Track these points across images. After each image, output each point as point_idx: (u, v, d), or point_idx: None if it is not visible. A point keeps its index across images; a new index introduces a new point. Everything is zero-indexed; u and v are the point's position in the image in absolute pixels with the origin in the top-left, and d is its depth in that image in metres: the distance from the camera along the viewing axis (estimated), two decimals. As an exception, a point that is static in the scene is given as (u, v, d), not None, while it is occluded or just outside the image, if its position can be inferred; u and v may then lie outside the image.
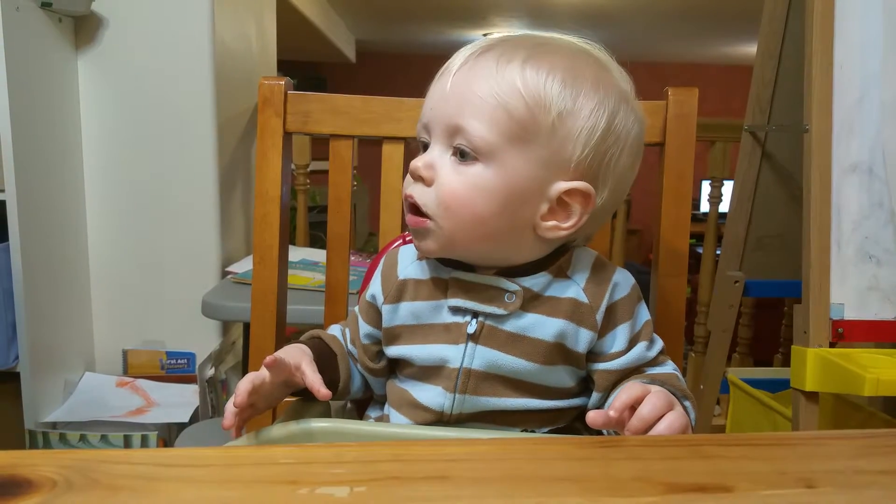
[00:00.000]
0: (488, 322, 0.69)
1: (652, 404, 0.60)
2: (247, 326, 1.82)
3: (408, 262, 0.76)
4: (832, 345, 1.24)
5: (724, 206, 2.22)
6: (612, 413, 0.59)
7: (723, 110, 5.90)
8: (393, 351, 0.75)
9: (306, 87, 0.95)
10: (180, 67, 1.90)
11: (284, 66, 2.94)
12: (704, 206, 2.56)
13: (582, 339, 0.68)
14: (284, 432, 0.65)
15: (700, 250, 2.52)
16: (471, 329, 0.68)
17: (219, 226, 1.98)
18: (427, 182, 0.67)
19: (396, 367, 0.77)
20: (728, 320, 1.76)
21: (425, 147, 0.70)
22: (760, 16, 1.68)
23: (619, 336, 0.70)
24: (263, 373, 0.67)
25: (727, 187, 2.07)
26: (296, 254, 1.89)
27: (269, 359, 0.66)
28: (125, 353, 1.98)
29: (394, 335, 0.74)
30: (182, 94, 1.91)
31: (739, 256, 1.76)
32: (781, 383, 1.68)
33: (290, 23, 3.49)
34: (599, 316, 0.68)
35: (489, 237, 0.67)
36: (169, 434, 1.76)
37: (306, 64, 6.22)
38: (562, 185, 0.66)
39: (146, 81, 1.91)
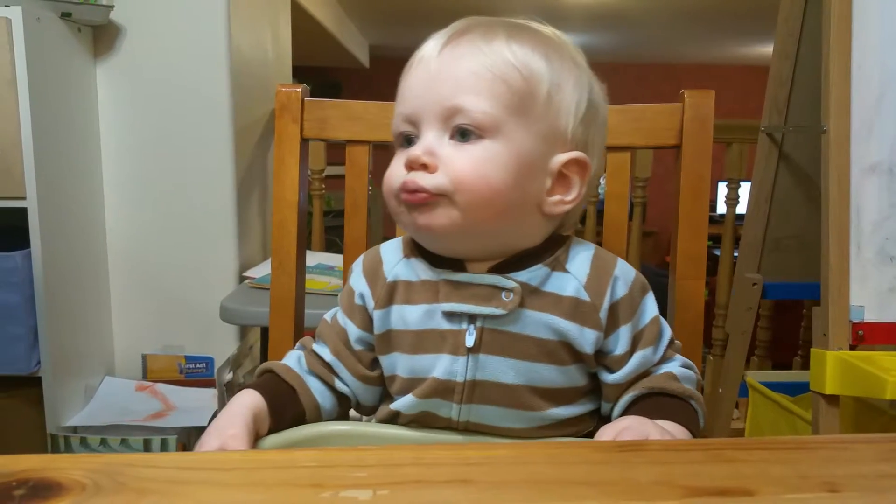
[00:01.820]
0: (487, 326, 0.65)
1: None
2: (264, 331, 1.84)
3: (394, 262, 0.71)
4: (852, 347, 1.23)
5: (741, 208, 2.21)
6: None
7: (739, 111, 5.87)
8: (387, 361, 0.70)
9: (321, 92, 0.96)
10: (198, 75, 1.92)
11: (299, 72, 2.96)
12: (721, 208, 2.55)
13: (587, 338, 0.66)
14: (305, 435, 0.66)
15: (717, 252, 2.51)
16: (470, 341, 0.65)
17: (236, 231, 1.99)
18: (430, 169, 0.63)
19: (391, 385, 0.71)
20: (746, 323, 1.75)
21: (408, 141, 0.66)
22: (776, 15, 1.68)
23: (622, 337, 0.67)
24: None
25: (744, 189, 2.06)
26: (311, 258, 1.90)
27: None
28: (144, 358, 2.00)
29: (387, 343, 0.70)
30: (199, 101, 1.93)
31: (757, 258, 1.75)
32: (801, 386, 1.67)
33: (304, 29, 3.52)
34: (603, 314, 0.66)
35: (503, 213, 0.64)
36: (188, 438, 1.78)
37: (321, 69, 6.25)
38: (561, 157, 0.66)
39: (164, 89, 1.93)
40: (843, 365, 1.20)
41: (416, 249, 0.70)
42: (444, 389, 0.66)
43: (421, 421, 0.69)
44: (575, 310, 0.66)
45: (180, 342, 2.00)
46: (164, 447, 1.72)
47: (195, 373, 1.98)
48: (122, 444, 1.72)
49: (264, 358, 1.91)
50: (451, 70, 0.64)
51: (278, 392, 0.69)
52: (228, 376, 1.80)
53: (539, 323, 0.65)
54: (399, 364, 0.69)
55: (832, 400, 1.23)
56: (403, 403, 0.68)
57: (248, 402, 0.66)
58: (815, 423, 1.25)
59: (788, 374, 1.99)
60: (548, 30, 0.70)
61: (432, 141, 0.64)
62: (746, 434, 1.90)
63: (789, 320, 2.46)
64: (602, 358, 0.68)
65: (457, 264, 0.67)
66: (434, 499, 0.42)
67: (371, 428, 0.69)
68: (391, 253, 0.73)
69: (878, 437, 0.54)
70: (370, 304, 0.71)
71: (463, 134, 0.63)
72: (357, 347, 0.72)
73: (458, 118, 0.63)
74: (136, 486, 0.43)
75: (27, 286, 1.64)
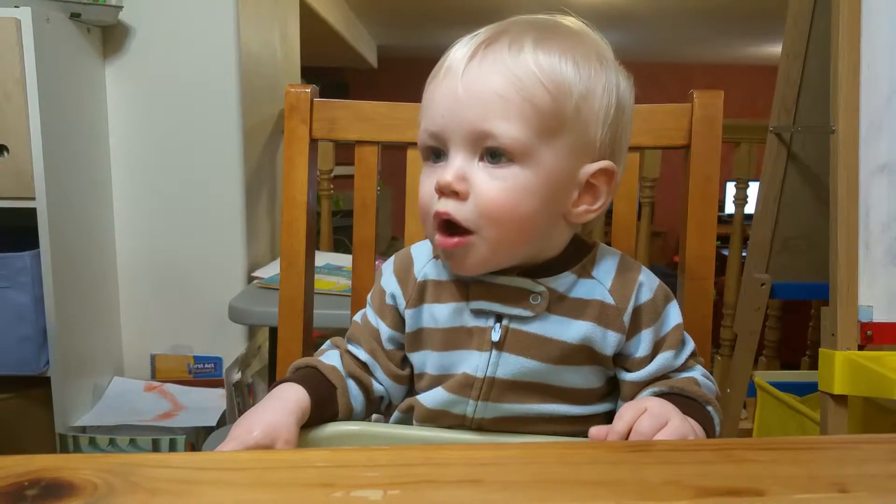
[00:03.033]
0: (513, 325, 0.66)
1: (642, 432, 0.59)
2: (273, 331, 1.84)
3: (423, 262, 0.73)
4: (861, 347, 1.23)
5: (749, 208, 2.20)
6: (613, 436, 0.59)
7: (748, 111, 5.85)
8: (418, 358, 0.72)
9: (328, 93, 0.96)
10: (206, 75, 1.93)
11: (307, 72, 2.96)
12: (729, 208, 2.54)
13: (609, 341, 0.67)
14: (317, 435, 0.66)
15: (726, 252, 2.50)
16: (495, 336, 0.66)
17: (245, 231, 2.00)
18: (462, 196, 0.63)
19: (419, 381, 0.73)
20: (755, 323, 1.75)
21: (436, 155, 0.66)
22: (785, 15, 1.67)
23: (644, 340, 0.68)
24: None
25: (752, 189, 2.05)
26: (319, 258, 1.90)
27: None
28: (153, 358, 2.01)
29: (417, 341, 0.72)
30: (208, 101, 1.94)
31: (766, 258, 1.74)
32: (809, 386, 1.66)
33: (313, 30, 3.52)
34: (626, 318, 0.67)
35: (531, 238, 0.65)
36: (196, 438, 1.78)
37: (329, 70, 6.26)
38: (589, 168, 0.65)
39: (173, 89, 1.93)
40: (851, 365, 1.20)
41: None
42: (466, 385, 0.68)
43: (435, 418, 0.70)
44: (599, 313, 0.67)
45: (189, 342, 2.01)
46: (172, 447, 1.73)
47: (204, 373, 1.98)
48: (131, 444, 1.73)
49: (273, 358, 1.92)
50: (478, 91, 0.63)
51: (321, 391, 0.69)
52: (237, 376, 1.81)
53: (563, 326, 0.66)
54: (429, 361, 0.71)
55: (840, 400, 1.23)
56: (430, 397, 0.69)
57: (297, 398, 0.66)
58: (824, 423, 1.25)
59: (797, 375, 1.99)
60: (575, 25, 0.69)
61: (462, 164, 0.64)
62: (754, 434, 1.90)
63: (797, 320, 2.45)
64: (622, 360, 0.69)
65: None
66: (445, 499, 0.43)
67: (382, 428, 0.69)
68: (422, 253, 0.74)
69: (887, 438, 0.54)
70: (401, 303, 0.72)
71: (493, 155, 0.63)
72: (388, 347, 0.74)
73: (488, 142, 0.63)
74: (149, 486, 0.43)
75: (36, 286, 1.65)
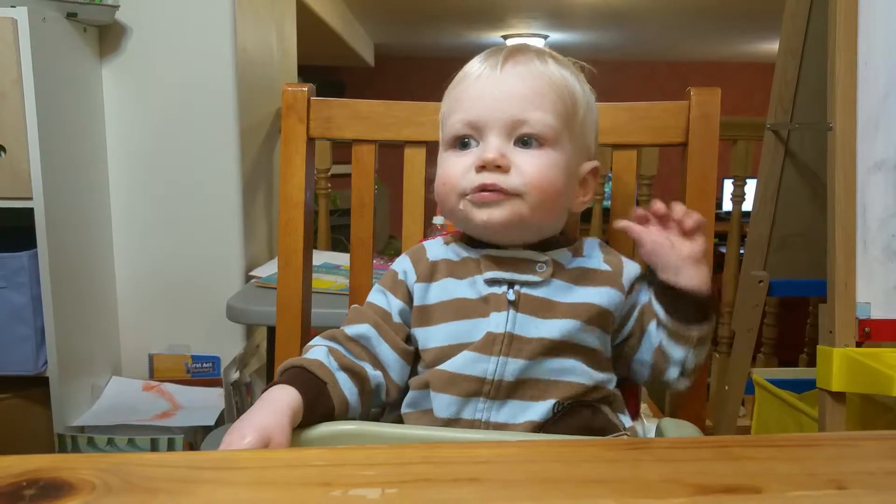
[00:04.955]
0: (524, 290, 0.74)
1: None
2: (271, 330, 1.84)
3: (436, 247, 0.81)
4: (859, 344, 1.23)
5: (747, 205, 2.20)
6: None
7: (745, 108, 5.85)
8: (423, 334, 0.76)
9: (325, 91, 0.96)
10: (203, 74, 1.93)
11: (304, 71, 2.96)
12: (727, 205, 2.55)
13: (613, 298, 0.76)
14: (314, 434, 0.66)
15: (723, 250, 2.50)
16: (511, 296, 0.74)
17: (242, 230, 2.00)
18: (505, 169, 0.72)
19: (425, 357, 0.76)
20: (752, 320, 1.75)
21: (465, 144, 0.76)
22: (782, 13, 1.67)
23: (632, 299, 0.79)
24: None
25: (750, 186, 2.05)
26: (317, 257, 1.89)
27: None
28: (151, 358, 2.00)
29: (423, 315, 0.76)
30: (205, 100, 1.93)
31: (763, 256, 1.75)
32: (807, 383, 1.67)
33: (310, 29, 3.52)
34: (626, 280, 0.77)
35: (556, 211, 0.77)
36: (195, 437, 1.78)
37: (326, 69, 6.25)
38: (587, 166, 0.79)
39: (169, 89, 1.93)
40: (849, 362, 1.20)
41: (456, 237, 0.81)
42: (488, 342, 0.72)
43: (455, 383, 0.72)
44: (597, 276, 0.77)
45: (187, 341, 2.00)
46: (171, 447, 1.73)
47: (202, 372, 1.98)
48: (129, 444, 1.73)
49: (271, 357, 1.92)
50: (516, 87, 0.74)
51: (311, 388, 0.70)
52: (235, 375, 1.81)
53: (566, 291, 0.75)
54: (438, 334, 0.75)
55: (838, 397, 1.23)
56: (452, 362, 0.73)
57: (288, 399, 0.66)
58: (822, 420, 1.25)
59: (794, 372, 1.99)
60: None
61: (501, 145, 0.73)
62: (753, 431, 1.90)
63: (795, 318, 2.45)
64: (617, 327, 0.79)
65: (494, 245, 0.77)
66: (443, 497, 0.43)
67: (379, 427, 0.69)
68: (433, 243, 0.82)
69: (884, 434, 0.54)
70: (412, 278, 0.79)
71: (525, 142, 0.74)
72: (397, 320, 0.78)
73: (523, 128, 0.74)
74: (146, 485, 0.43)
75: (34, 286, 1.65)
